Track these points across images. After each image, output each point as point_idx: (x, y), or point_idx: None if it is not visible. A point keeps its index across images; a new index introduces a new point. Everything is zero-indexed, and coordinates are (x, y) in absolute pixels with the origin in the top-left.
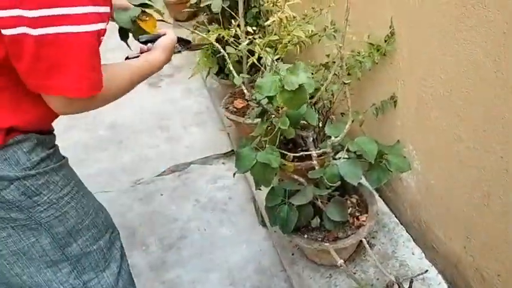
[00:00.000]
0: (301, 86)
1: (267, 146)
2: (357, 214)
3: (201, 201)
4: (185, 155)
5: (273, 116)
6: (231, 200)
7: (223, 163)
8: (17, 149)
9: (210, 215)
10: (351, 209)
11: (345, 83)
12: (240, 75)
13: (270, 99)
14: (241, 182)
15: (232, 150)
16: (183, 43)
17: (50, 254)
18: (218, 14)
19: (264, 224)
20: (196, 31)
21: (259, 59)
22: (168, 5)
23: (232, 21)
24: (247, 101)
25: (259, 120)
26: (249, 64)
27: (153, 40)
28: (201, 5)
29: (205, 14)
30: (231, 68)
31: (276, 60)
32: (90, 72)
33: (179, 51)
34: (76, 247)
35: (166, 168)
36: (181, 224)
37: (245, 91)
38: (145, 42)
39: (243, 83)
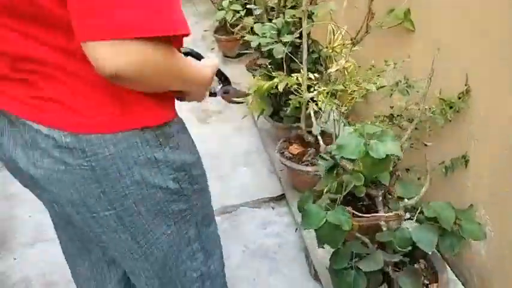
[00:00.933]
0: (387, 155)
1: (337, 205)
2: (426, 282)
3: (250, 247)
4: (234, 196)
5: (345, 171)
6: (280, 248)
7: (272, 207)
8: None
9: (259, 263)
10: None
11: (425, 145)
12: (315, 125)
13: (350, 160)
14: (291, 229)
15: (283, 195)
16: (222, 78)
17: (193, 244)
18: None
19: (316, 278)
20: (256, 75)
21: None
22: (219, 41)
23: (292, 64)
24: (305, 147)
25: (325, 171)
26: (308, 111)
27: (194, 55)
28: (262, 50)
29: (261, 57)
30: (313, 118)
31: (342, 112)
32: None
33: (214, 93)
34: (207, 232)
35: (215, 209)
36: (231, 271)
37: (309, 138)
38: (185, 54)
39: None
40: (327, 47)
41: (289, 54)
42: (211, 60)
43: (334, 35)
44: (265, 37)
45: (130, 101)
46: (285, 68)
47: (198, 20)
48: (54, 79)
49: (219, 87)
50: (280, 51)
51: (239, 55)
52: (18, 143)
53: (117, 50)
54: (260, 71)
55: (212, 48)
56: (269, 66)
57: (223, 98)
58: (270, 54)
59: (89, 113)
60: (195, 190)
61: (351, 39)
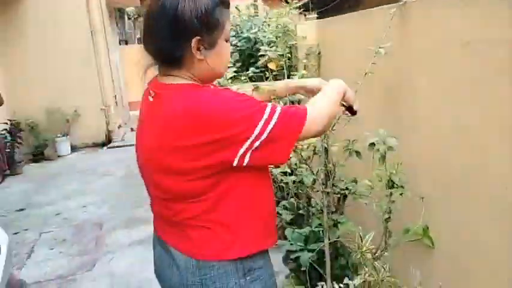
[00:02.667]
0: None
1: None
2: None
3: None
4: None
5: None
6: None
7: None
8: None
9: None
10: None
11: None
12: None
13: None
14: None
15: None
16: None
17: None
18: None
19: None
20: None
21: None
22: None
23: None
24: None
25: None
26: None
27: None
28: (291, 257)
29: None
30: None
31: None
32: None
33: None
34: None
35: None
36: None
37: None
38: None
39: None
40: (355, 251)
41: (313, 264)
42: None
43: (362, 240)
44: (293, 244)
45: (234, 240)
46: (307, 278)
47: None
48: (193, 226)
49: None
50: (305, 260)
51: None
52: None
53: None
54: (288, 281)
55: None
56: (293, 274)
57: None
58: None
59: (206, 246)
60: None
61: (372, 255)
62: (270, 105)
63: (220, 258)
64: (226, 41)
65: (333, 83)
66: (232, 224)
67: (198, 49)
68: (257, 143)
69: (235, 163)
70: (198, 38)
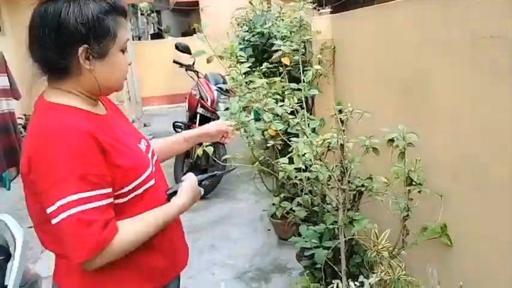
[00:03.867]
0: None
1: None
2: None
3: None
4: None
5: None
6: None
7: None
8: None
9: None
10: None
11: None
12: None
13: None
14: None
15: None
16: (209, 178)
17: None
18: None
19: None
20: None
21: None
22: (274, 224)
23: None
24: None
25: None
26: None
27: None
28: (305, 254)
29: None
30: None
31: None
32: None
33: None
34: None
35: None
36: None
37: None
38: (171, 194)
39: None
40: (371, 249)
41: (329, 262)
42: (187, 181)
43: (377, 238)
44: (307, 241)
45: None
46: (323, 276)
47: (259, 199)
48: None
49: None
50: (320, 257)
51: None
52: None
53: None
54: (303, 278)
55: (268, 230)
56: (308, 271)
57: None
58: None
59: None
60: None
61: (388, 253)
62: (65, 199)
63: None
64: (123, 52)
65: (181, 202)
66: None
67: (87, 58)
68: (52, 221)
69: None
70: (86, 46)
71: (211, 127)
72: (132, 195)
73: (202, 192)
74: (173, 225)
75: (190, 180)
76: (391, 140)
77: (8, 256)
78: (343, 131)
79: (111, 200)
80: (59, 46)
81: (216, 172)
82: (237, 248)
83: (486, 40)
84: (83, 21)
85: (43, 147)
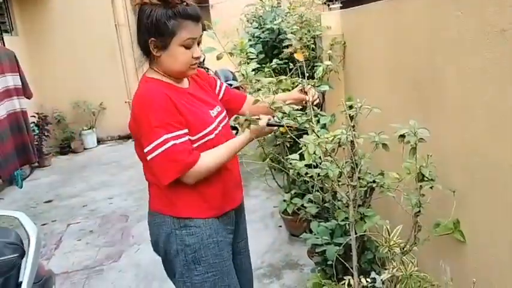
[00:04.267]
0: None
1: None
2: None
3: None
4: None
5: None
6: None
7: None
8: None
9: None
10: None
11: None
12: None
13: None
14: None
15: None
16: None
17: None
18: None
19: None
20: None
21: None
22: (285, 220)
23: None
24: None
25: None
26: None
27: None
28: (316, 250)
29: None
30: None
31: None
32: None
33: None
34: None
35: None
36: None
37: None
38: (271, 125)
39: None
40: (383, 246)
41: (340, 259)
42: (258, 125)
43: (389, 234)
44: (318, 238)
45: (172, 202)
46: (335, 272)
47: (269, 196)
48: (151, 184)
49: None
50: (332, 254)
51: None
52: None
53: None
54: (314, 275)
55: (280, 226)
56: (320, 268)
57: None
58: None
59: (152, 200)
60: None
61: (400, 249)
62: (162, 138)
63: (160, 212)
64: (185, 47)
65: (245, 136)
66: (172, 188)
67: (155, 48)
68: (148, 157)
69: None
70: (153, 39)
71: (293, 91)
72: (200, 142)
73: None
74: (227, 174)
75: (261, 123)
76: (402, 136)
77: (23, 253)
78: (353, 127)
79: (188, 137)
80: (142, 37)
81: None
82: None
83: (497, 33)
84: (149, 21)
85: (141, 106)
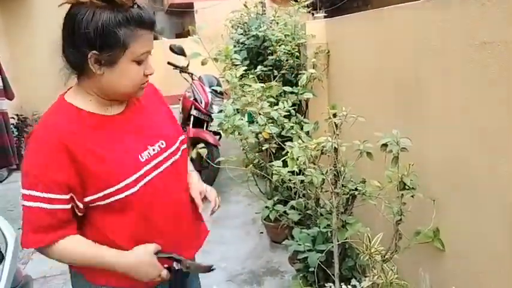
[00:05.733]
0: None
1: None
2: None
3: None
4: None
5: None
6: None
7: None
8: None
9: None
10: None
11: None
12: None
13: None
14: None
15: None
16: (177, 262)
17: None
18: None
19: None
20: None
21: None
22: (267, 227)
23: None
24: None
25: None
26: None
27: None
28: (298, 257)
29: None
30: None
31: None
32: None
33: (179, 270)
34: None
35: None
36: None
37: None
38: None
39: None
40: (363, 253)
41: (322, 266)
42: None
43: (370, 241)
44: (300, 245)
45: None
46: (316, 279)
47: (251, 202)
48: None
49: (178, 266)
50: (314, 260)
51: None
52: None
53: None
54: (295, 282)
55: (261, 232)
56: (301, 275)
57: (189, 269)
58: (307, 268)
59: None
60: None
61: (381, 257)
62: (29, 191)
63: (72, 268)
64: (138, 63)
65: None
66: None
67: (97, 63)
68: None
69: None
70: (94, 52)
71: (193, 189)
72: (111, 199)
73: (163, 274)
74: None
75: (147, 249)
76: (385, 145)
77: (1, 258)
78: (337, 135)
79: (64, 206)
80: (73, 47)
81: (188, 264)
82: (229, 251)
83: (478, 46)
84: (91, 29)
85: (29, 138)
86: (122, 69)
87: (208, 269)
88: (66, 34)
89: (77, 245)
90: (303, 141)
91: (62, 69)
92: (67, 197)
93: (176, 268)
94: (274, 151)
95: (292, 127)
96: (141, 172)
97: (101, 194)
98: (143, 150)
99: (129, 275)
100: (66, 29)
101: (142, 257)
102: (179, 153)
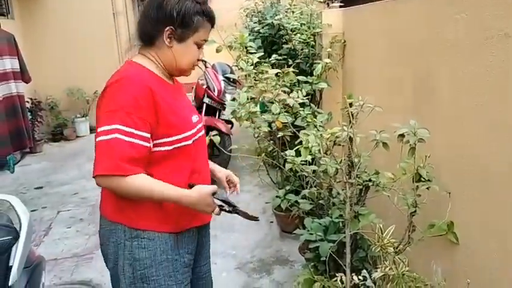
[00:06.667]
0: None
1: None
2: None
3: None
4: None
5: None
6: None
7: None
8: None
9: None
10: None
11: None
12: None
13: None
14: None
15: None
16: (228, 205)
17: None
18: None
19: None
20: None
21: None
22: (277, 216)
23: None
24: None
25: None
26: None
27: (226, 202)
28: (309, 246)
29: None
30: None
31: None
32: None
33: (229, 211)
34: None
35: None
36: None
37: None
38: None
39: None
40: (375, 244)
41: (333, 255)
42: (205, 191)
43: (382, 233)
44: (312, 234)
45: (123, 208)
46: (327, 268)
47: (262, 192)
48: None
49: (229, 208)
50: (325, 250)
51: (295, 229)
52: None
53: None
54: (305, 271)
55: (271, 222)
56: (312, 264)
57: (236, 213)
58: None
59: (104, 204)
60: None
61: (394, 248)
62: (113, 126)
63: (109, 218)
64: (198, 46)
65: (186, 193)
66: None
67: (169, 37)
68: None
69: None
70: (171, 27)
71: (221, 171)
72: (176, 146)
73: (216, 211)
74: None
75: (206, 190)
76: (402, 135)
77: (17, 236)
78: (353, 124)
79: (145, 143)
80: (155, 20)
81: (237, 209)
82: (239, 239)
83: (493, 38)
84: (176, 10)
85: (111, 85)
86: (186, 47)
87: (254, 218)
88: (151, 9)
89: (145, 181)
90: (319, 130)
91: (131, 39)
92: (149, 135)
93: (227, 209)
94: (289, 139)
95: (305, 116)
96: (194, 130)
97: (169, 139)
98: (192, 115)
99: (188, 208)
100: (154, 5)
101: (202, 196)
102: (203, 131)
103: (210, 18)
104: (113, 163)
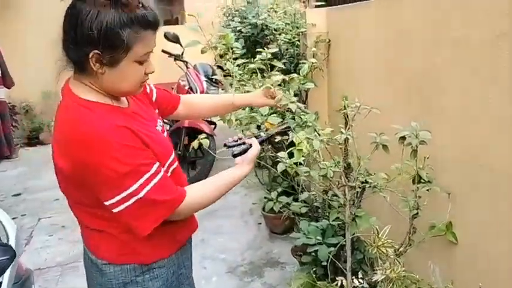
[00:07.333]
0: None
1: None
2: None
3: None
4: None
5: None
6: None
7: None
8: None
9: None
10: None
11: None
12: None
13: None
14: None
15: None
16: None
17: None
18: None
19: None
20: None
21: None
22: (266, 217)
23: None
24: None
25: None
26: None
27: (238, 146)
28: (308, 250)
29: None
30: None
31: None
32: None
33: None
34: None
35: None
36: None
37: None
38: (231, 147)
39: None
40: (371, 246)
41: (333, 259)
42: (254, 149)
43: (378, 234)
44: (310, 238)
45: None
46: (328, 273)
47: (248, 192)
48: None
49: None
50: (325, 254)
51: (285, 232)
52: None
53: None
54: (302, 274)
55: (259, 223)
56: (312, 268)
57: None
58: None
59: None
60: None
61: (395, 250)
62: (134, 187)
63: (112, 261)
64: (139, 63)
65: (242, 171)
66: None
67: (98, 62)
68: (114, 209)
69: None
70: (96, 51)
71: (257, 93)
72: (170, 169)
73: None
74: None
75: (256, 149)
76: (403, 138)
77: (14, 255)
78: (351, 126)
79: (161, 172)
80: (75, 43)
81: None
82: (228, 242)
83: (495, 38)
84: (95, 28)
85: (89, 147)
86: (123, 70)
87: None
88: (68, 29)
89: (199, 185)
90: (316, 131)
91: (61, 60)
92: (159, 164)
93: (245, 147)
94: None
95: (293, 118)
96: (173, 155)
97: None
98: (160, 130)
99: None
100: (69, 24)
101: (250, 164)
102: (165, 133)
103: (148, 24)
104: (165, 205)
